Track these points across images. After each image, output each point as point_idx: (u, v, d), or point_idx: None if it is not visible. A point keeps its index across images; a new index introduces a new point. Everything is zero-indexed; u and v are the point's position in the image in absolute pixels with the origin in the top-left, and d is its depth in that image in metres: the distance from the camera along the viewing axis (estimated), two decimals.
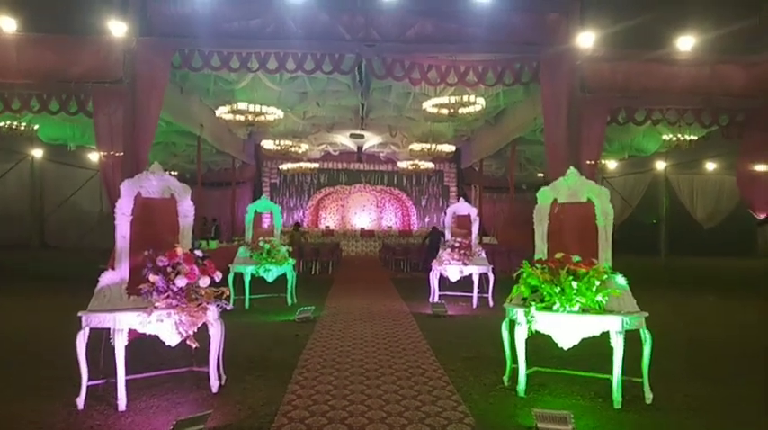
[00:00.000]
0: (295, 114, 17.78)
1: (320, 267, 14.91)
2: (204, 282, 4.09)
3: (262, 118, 13.47)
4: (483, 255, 9.26)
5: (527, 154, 20.18)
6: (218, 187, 23.31)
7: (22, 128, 14.18)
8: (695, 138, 13.79)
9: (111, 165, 12.64)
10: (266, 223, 9.24)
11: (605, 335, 4.18)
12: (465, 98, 12.45)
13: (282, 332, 7.04)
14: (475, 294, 9.05)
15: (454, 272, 8.97)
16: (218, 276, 4.31)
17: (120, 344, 3.95)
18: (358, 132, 21.53)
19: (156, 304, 3.98)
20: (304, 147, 18.90)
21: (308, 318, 7.72)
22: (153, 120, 12.83)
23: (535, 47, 12.91)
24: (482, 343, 6.41)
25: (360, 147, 24.09)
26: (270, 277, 8.68)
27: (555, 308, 4.15)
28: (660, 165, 22.63)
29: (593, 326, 4.12)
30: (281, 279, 9.01)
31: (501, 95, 14.58)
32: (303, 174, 25.24)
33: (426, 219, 26.08)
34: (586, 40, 12.47)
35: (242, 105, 12.70)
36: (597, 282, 4.12)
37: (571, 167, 4.83)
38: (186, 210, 4.59)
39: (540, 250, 4.66)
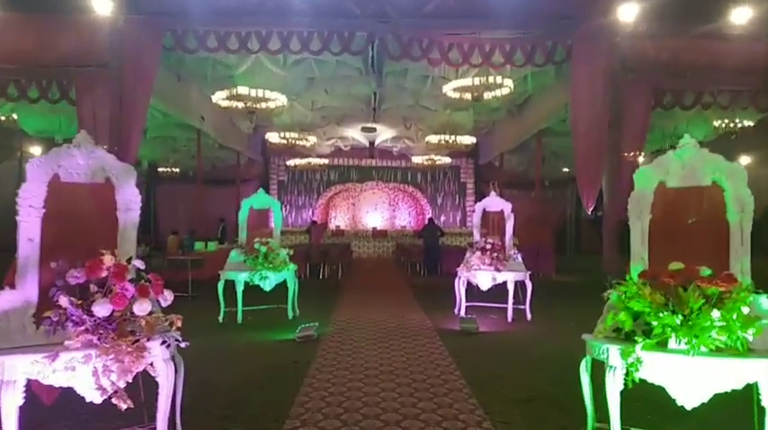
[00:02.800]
0: (302, 104, 16.44)
1: (329, 270, 13.54)
2: (142, 307, 2.70)
3: (264, 105, 12.10)
4: (519, 259, 7.82)
5: (553, 146, 18.64)
6: (223, 185, 21.96)
7: (2, 119, 12.95)
8: (752, 123, 12.20)
9: None
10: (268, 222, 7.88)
11: (748, 389, 2.76)
12: (491, 80, 10.98)
13: (278, 357, 5.67)
14: (510, 306, 7.62)
15: (485, 279, 7.55)
16: (166, 298, 2.93)
17: (9, 402, 2.57)
18: (370, 125, 20.13)
19: (67, 342, 2.62)
20: (312, 140, 17.51)
21: (311, 336, 6.34)
22: (143, 108, 11.52)
23: (569, 21, 11.46)
24: (534, 375, 5.02)
25: (372, 142, 22.70)
26: (267, 285, 7.31)
27: (675, 346, 2.73)
28: None
29: (734, 375, 2.69)
30: (281, 287, 7.64)
31: (529, 78, 13.10)
32: (312, 171, 23.88)
33: (442, 218, 24.62)
34: (628, 12, 10.98)
35: (241, 90, 11.33)
36: (744, 309, 2.67)
37: (686, 136, 3.39)
38: (128, 200, 3.23)
39: (639, 257, 3.23)
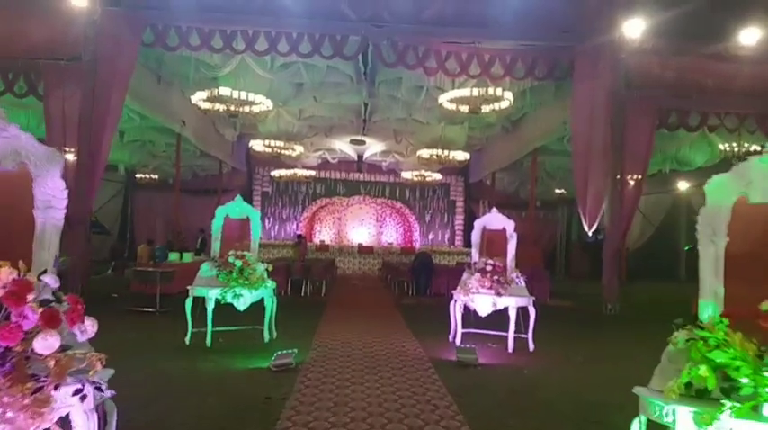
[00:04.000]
0: (289, 112, 15.76)
1: (312, 287, 12.72)
2: (47, 343, 1.92)
3: (248, 109, 11.35)
4: (522, 282, 7.11)
5: (547, 166, 18.15)
6: (205, 195, 21.01)
7: None
8: (759, 148, 11.73)
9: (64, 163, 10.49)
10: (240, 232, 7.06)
11: None
12: (490, 91, 10.38)
13: (249, 390, 4.87)
14: (511, 334, 6.89)
15: (485, 304, 6.82)
16: (85, 330, 2.17)
17: None
18: (359, 138, 19.52)
19: None
20: (298, 149, 16.78)
21: (289, 364, 5.54)
22: (117, 108, 10.80)
23: (572, 35, 10.98)
24: (551, 423, 4.26)
25: (360, 156, 22.08)
26: (241, 305, 6.50)
27: None
28: (682, 185, 20.72)
29: None
30: (257, 306, 6.83)
31: (528, 94, 12.54)
32: (298, 183, 23.15)
33: (430, 236, 23.98)
34: (633, 28, 10.53)
35: (223, 91, 10.58)
36: None
37: None
38: (50, 195, 2.44)
39: (711, 292, 2.54)
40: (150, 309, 8.92)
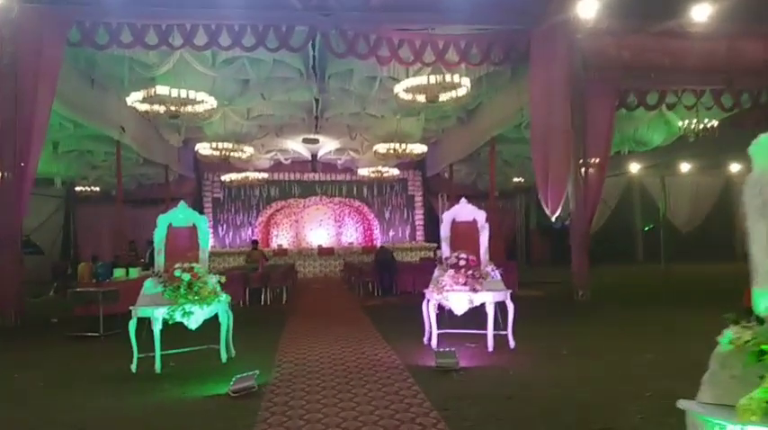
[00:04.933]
0: (236, 112, 14.94)
1: (272, 295, 12.01)
2: None
3: (190, 108, 10.54)
4: (498, 275, 6.67)
5: (504, 155, 17.91)
6: (151, 205, 19.81)
7: None
8: (716, 123, 11.72)
9: None
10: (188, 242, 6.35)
11: None
12: (447, 78, 9.94)
13: (206, 424, 4.23)
14: (490, 332, 6.44)
15: (461, 301, 6.35)
16: None
17: None
18: (312, 137, 18.83)
19: None
20: (248, 151, 15.97)
21: (250, 388, 4.92)
22: (43, 115, 9.83)
23: (527, 17, 10.67)
24: None
25: (314, 155, 21.37)
26: (192, 323, 5.80)
27: None
28: (634, 168, 20.94)
29: None
30: (212, 322, 6.15)
31: (484, 81, 12.18)
32: (250, 187, 22.26)
33: (391, 233, 23.49)
34: (587, 9, 10.27)
35: (161, 90, 9.75)
36: None
37: None
38: None
39: (765, 277, 2.08)
40: (94, 334, 8.07)
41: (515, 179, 21.38)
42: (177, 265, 5.93)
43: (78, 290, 9.07)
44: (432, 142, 18.90)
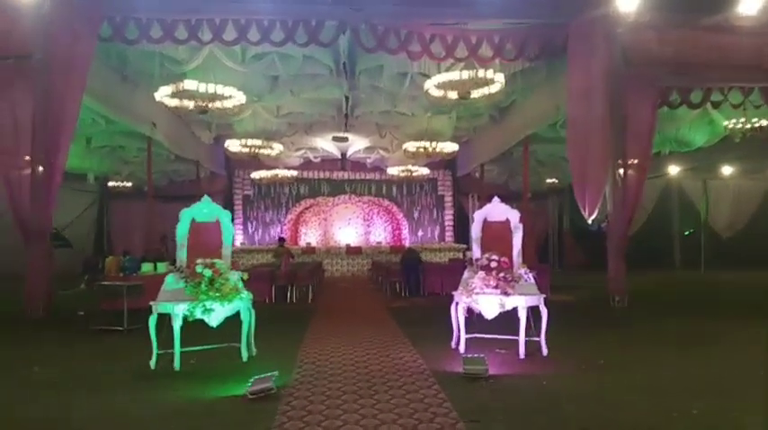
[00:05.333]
0: (266, 109, 14.89)
1: (298, 293, 11.86)
2: None
3: (219, 104, 10.46)
4: (531, 279, 6.35)
5: (539, 155, 17.47)
6: (182, 201, 19.76)
7: None
8: (765, 123, 11.10)
9: (17, 173, 9.56)
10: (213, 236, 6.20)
11: None
12: (480, 74, 9.62)
13: (221, 426, 4.05)
14: (522, 338, 6.12)
15: (491, 305, 6.05)
16: None
17: None
18: (341, 135, 18.67)
19: None
20: (277, 148, 15.90)
21: (269, 390, 4.73)
22: (73, 110, 9.85)
23: (564, 10, 10.27)
24: None
25: (344, 153, 21.22)
26: (213, 320, 5.66)
27: None
28: (673, 170, 20.19)
29: None
30: (234, 320, 5.99)
31: (519, 77, 11.81)
32: (280, 185, 22.25)
33: (420, 233, 23.21)
34: (628, 2, 9.82)
35: (189, 85, 9.68)
36: None
37: None
38: None
39: None
40: (118, 328, 8.03)
41: (548, 180, 20.85)
42: (199, 261, 5.79)
43: (103, 283, 9.06)
44: (463, 141, 18.53)
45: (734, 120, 11.38)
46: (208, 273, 5.66)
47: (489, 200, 7.15)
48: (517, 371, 5.58)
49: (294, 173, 20.74)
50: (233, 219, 21.56)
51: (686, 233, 21.84)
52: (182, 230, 6.10)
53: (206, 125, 16.96)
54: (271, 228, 22.70)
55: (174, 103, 10.47)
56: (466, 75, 9.59)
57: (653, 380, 5.23)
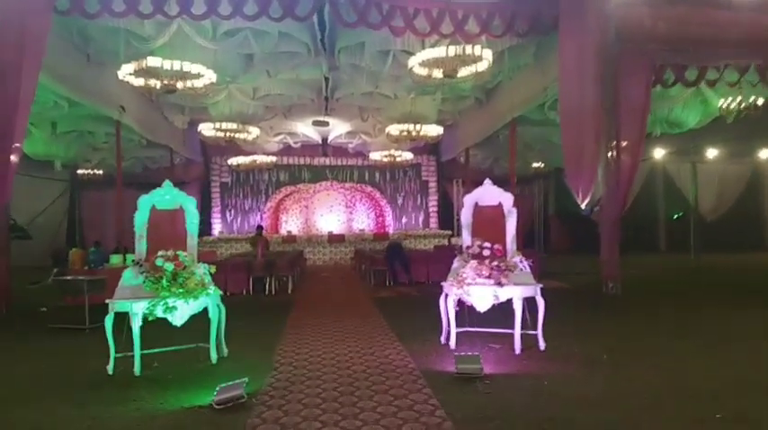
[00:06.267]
0: (241, 91, 14.16)
1: (277, 285, 11.28)
2: None
3: (190, 83, 9.74)
4: (527, 267, 5.86)
5: (526, 138, 16.97)
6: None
7: None
8: (761, 101, 10.72)
9: None
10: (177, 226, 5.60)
11: None
12: (468, 50, 9.04)
13: None
14: (517, 332, 5.64)
15: (484, 297, 5.55)
16: None
17: None
18: (322, 119, 18.00)
19: None
20: (254, 132, 15.18)
21: (238, 399, 4.18)
22: (29, 90, 9.00)
23: None
24: None
25: (324, 139, 20.56)
26: (177, 319, 5.08)
27: None
28: (658, 153, 19.92)
29: None
30: (204, 317, 5.41)
31: (506, 56, 11.26)
32: (259, 172, 21.55)
33: (404, 220, 22.71)
34: None
35: (153, 62, 8.94)
36: None
37: None
38: None
39: None
40: (78, 327, 7.39)
41: (535, 164, 20.42)
42: (160, 253, 5.19)
43: (62, 278, 8.39)
44: (447, 125, 17.97)
45: (729, 99, 10.97)
46: (169, 266, 5.06)
47: (474, 185, 6.63)
48: (514, 370, 5.10)
49: (273, 159, 20.05)
50: (210, 208, 20.75)
51: (675, 217, 21.63)
52: (140, 219, 5.48)
53: (179, 109, 16.19)
54: (250, 216, 22.03)
55: (139, 82, 9.71)
56: (452, 51, 8.99)
57: (663, 377, 4.79)
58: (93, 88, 11.81)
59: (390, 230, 21.70)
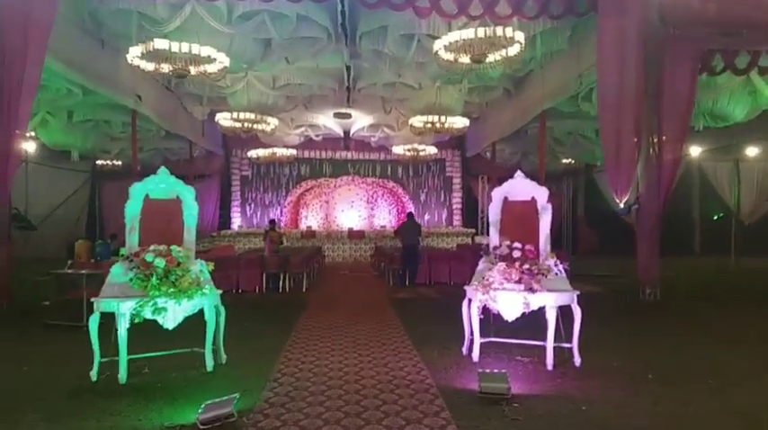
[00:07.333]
0: (261, 81, 13.68)
1: (292, 282, 10.75)
2: None
3: (202, 68, 9.23)
4: (562, 271, 5.18)
5: (555, 132, 16.17)
6: None
7: None
8: None
9: None
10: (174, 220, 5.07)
11: None
12: (498, 32, 8.34)
13: None
14: (550, 344, 4.97)
15: (513, 304, 4.91)
16: None
17: None
18: (343, 111, 17.45)
19: None
20: (273, 122, 14.67)
21: (227, 416, 3.63)
22: (34, 75, 8.59)
23: None
24: None
25: (347, 132, 20.02)
26: (169, 322, 4.56)
27: None
28: (694, 150, 18.81)
29: None
30: (199, 320, 4.88)
31: (538, 41, 10.52)
32: (280, 165, 21.14)
33: (426, 217, 22.05)
34: None
35: (160, 44, 8.43)
36: None
37: None
38: None
39: None
40: (76, 324, 6.93)
41: (564, 160, 19.55)
42: (151, 248, 4.66)
43: (58, 271, 7.97)
44: (473, 117, 17.23)
45: None
46: (161, 263, 4.53)
47: (501, 182, 5.95)
48: (547, 390, 4.44)
49: (294, 152, 19.56)
50: (230, 201, 20.29)
51: (715, 217, 20.50)
52: (132, 210, 4.96)
53: (197, 99, 15.77)
54: (270, 211, 21.62)
55: (149, 66, 9.24)
56: (482, 33, 8.29)
57: (722, 401, 4.09)
58: (107, 75, 11.42)
59: None
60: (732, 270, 14.68)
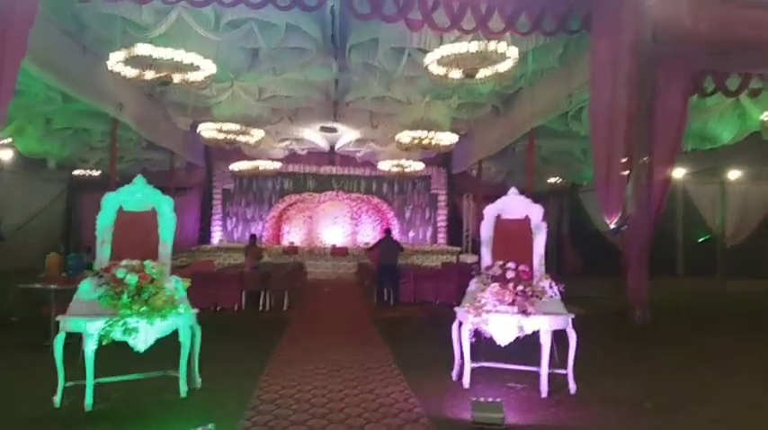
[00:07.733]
0: (246, 92, 13.42)
1: (273, 300, 10.38)
2: None
3: (187, 75, 8.94)
4: (557, 294, 4.96)
5: (543, 151, 16.09)
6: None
7: None
8: None
9: None
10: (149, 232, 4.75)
11: None
12: (491, 47, 8.20)
13: None
14: (544, 370, 4.72)
15: (506, 328, 4.65)
16: None
17: None
18: (330, 125, 17.24)
19: None
20: (257, 134, 14.37)
21: None
22: (10, 76, 8.21)
23: None
24: None
25: (332, 146, 19.80)
26: (140, 343, 4.22)
27: None
28: (678, 173, 18.90)
29: None
30: (172, 340, 4.54)
31: (530, 58, 10.43)
32: (263, 179, 20.79)
33: (411, 234, 21.82)
34: None
35: (142, 49, 8.14)
36: None
37: None
38: None
39: None
40: (45, 343, 6.51)
41: (551, 179, 19.50)
42: (123, 263, 4.34)
43: (24, 286, 7.54)
44: (461, 134, 17.11)
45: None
46: (132, 279, 4.21)
47: (487, 200, 5.75)
48: (542, 420, 4.18)
49: (277, 165, 19.24)
50: (210, 215, 19.84)
51: (700, 240, 20.57)
52: (103, 221, 4.64)
53: (181, 109, 15.42)
54: (251, 225, 21.19)
55: (132, 73, 8.93)
56: (475, 47, 8.14)
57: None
58: (88, 81, 11.03)
59: None
60: (718, 292, 14.62)
